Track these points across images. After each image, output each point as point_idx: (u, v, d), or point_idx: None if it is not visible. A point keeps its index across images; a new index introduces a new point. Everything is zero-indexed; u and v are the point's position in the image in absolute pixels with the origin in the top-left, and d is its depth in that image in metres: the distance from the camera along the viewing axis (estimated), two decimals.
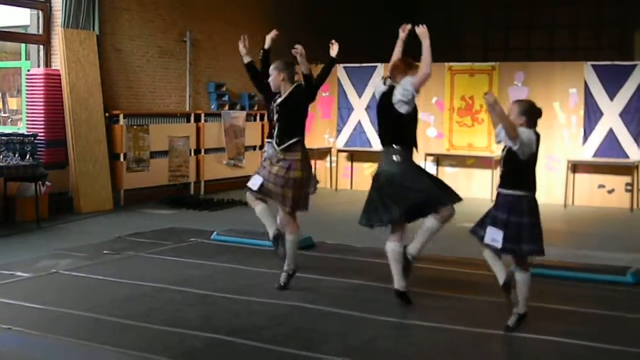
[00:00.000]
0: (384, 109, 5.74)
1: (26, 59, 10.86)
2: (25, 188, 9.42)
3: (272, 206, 6.15)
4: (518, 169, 4.97)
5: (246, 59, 6.47)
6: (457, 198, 5.69)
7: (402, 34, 6.10)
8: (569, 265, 6.86)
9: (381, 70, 13.19)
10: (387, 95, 5.72)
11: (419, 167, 5.91)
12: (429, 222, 5.61)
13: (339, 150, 13.61)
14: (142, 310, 5.51)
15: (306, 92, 6.13)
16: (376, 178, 5.76)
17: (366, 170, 13.49)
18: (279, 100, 6.12)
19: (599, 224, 10.17)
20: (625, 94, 11.44)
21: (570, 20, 17.76)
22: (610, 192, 11.64)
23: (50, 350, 4.71)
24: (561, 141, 11.93)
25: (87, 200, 10.33)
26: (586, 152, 11.79)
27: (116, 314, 5.36)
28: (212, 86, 13.08)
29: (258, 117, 13.61)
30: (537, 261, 6.94)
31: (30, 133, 9.86)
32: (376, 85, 6.04)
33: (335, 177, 13.64)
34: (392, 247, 5.62)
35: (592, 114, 11.70)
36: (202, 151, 12.39)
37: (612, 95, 11.53)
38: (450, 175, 12.23)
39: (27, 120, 10.37)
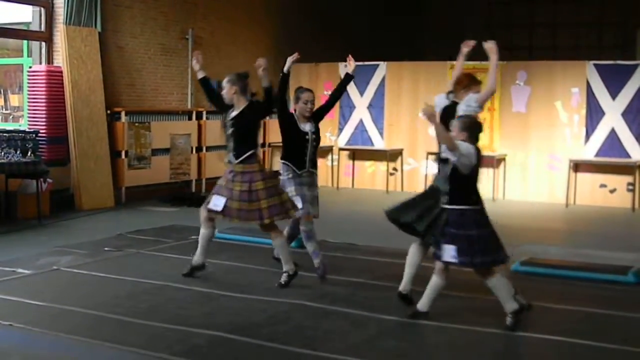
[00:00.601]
0: (445, 123, 5.66)
1: (28, 56, 10.85)
2: (27, 185, 9.41)
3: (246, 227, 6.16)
4: (462, 185, 5.09)
5: (200, 74, 6.46)
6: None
7: (465, 48, 6.17)
8: (570, 265, 6.86)
9: (383, 68, 13.20)
10: (449, 109, 5.77)
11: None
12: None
13: (341, 149, 13.60)
14: (143, 307, 5.51)
15: (263, 107, 6.15)
16: (430, 188, 5.70)
17: (368, 169, 13.50)
18: (232, 114, 6.13)
19: (600, 224, 10.16)
20: (627, 93, 11.41)
21: (573, 19, 17.72)
22: (612, 191, 11.62)
23: (51, 347, 4.71)
24: (563, 140, 11.92)
25: (89, 198, 10.34)
26: (588, 152, 11.77)
27: (117, 311, 5.36)
28: (214, 84, 13.04)
29: None
30: (539, 260, 7.00)
31: (32, 130, 9.86)
32: (438, 96, 6.06)
33: (336, 176, 13.63)
34: (414, 251, 5.62)
35: (594, 113, 11.68)
36: (204, 149, 12.37)
37: (614, 95, 11.50)
38: None
39: (29, 117, 10.37)
